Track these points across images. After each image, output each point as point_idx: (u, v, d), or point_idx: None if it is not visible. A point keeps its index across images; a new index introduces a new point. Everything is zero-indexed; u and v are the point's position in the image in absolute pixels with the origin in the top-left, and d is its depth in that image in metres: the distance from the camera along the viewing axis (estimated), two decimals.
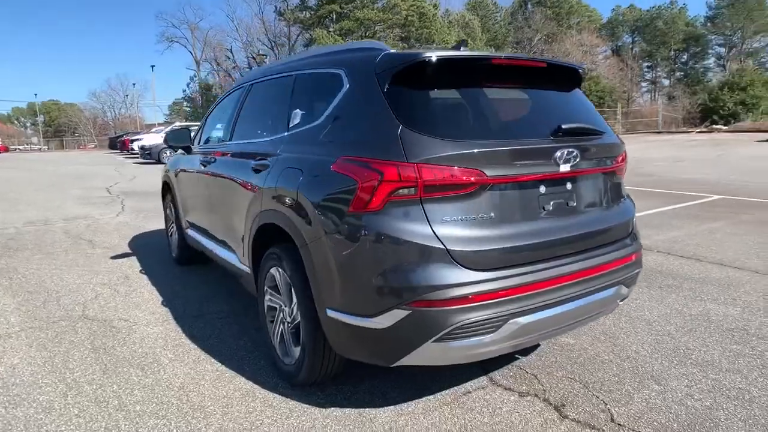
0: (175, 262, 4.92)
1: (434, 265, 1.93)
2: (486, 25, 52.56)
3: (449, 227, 1.97)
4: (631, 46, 55.63)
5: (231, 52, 59.19)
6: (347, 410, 2.39)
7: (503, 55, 2.26)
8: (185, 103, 67.82)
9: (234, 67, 61.32)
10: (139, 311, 3.70)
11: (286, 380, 2.61)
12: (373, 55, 2.26)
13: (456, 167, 1.96)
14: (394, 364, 2.11)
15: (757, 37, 45.66)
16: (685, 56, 53.53)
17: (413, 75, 2.11)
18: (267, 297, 2.76)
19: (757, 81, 28.36)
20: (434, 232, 1.94)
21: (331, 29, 47.77)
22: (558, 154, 2.16)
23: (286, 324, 2.60)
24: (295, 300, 2.43)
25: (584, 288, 2.25)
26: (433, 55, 2.08)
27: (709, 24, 48.73)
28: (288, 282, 2.49)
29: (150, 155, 20.71)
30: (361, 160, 2.03)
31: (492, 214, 2.05)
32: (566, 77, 2.56)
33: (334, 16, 48.47)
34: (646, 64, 55.97)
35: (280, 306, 2.65)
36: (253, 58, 59.19)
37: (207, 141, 4.14)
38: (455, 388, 2.57)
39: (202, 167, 3.71)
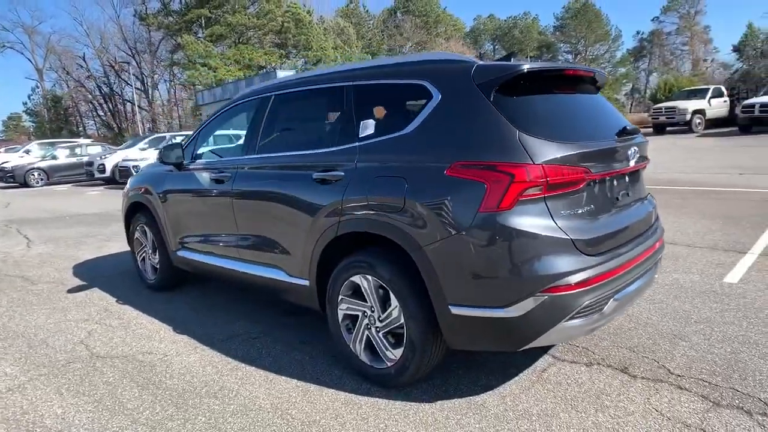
0: (153, 288, 4.57)
1: (563, 254, 2.18)
2: (360, 32, 53.89)
3: (566, 220, 2.24)
4: (493, 53, 60.66)
5: (84, 60, 53.59)
6: (455, 400, 2.54)
7: (571, 66, 2.58)
8: (27, 118, 59.91)
9: (88, 77, 55.66)
10: (157, 342, 3.44)
11: (379, 384, 2.67)
12: (466, 67, 2.44)
13: (570, 166, 2.23)
14: (522, 348, 2.32)
15: (597, 45, 52.68)
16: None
17: (514, 84, 2.34)
18: (344, 306, 2.79)
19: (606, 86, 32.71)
20: (558, 225, 2.19)
21: (200, 35, 45.61)
22: (629, 151, 2.53)
23: (374, 329, 2.66)
24: (395, 303, 2.51)
25: (645, 267, 2.65)
26: (528, 66, 2.33)
27: (557, 33, 54.99)
28: (382, 287, 2.56)
29: (13, 178, 18.11)
30: (484, 164, 2.20)
31: (591, 206, 2.36)
32: (596, 84, 2.96)
33: (203, 21, 46.31)
34: None
35: (365, 312, 2.70)
36: (111, 66, 54.29)
37: (203, 156, 3.95)
38: (529, 369, 2.83)
39: (216, 184, 3.55)
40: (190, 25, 46.30)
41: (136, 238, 4.69)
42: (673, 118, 20.38)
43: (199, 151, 3.98)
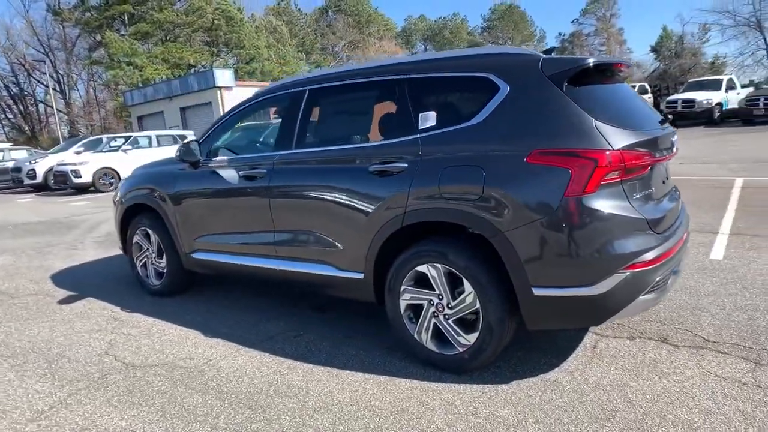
0: (157, 294, 4.34)
1: (639, 234, 2.35)
2: (293, 30, 53.16)
3: (639, 202, 2.41)
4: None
5: None
6: (529, 379, 2.65)
7: (620, 59, 2.76)
8: None
9: None
10: (192, 347, 3.30)
11: (451, 369, 2.73)
12: (533, 60, 2.55)
13: (640, 152, 2.40)
14: (601, 324, 2.47)
15: (523, 45, 55.16)
16: None
17: (582, 76, 2.47)
18: (407, 296, 2.82)
19: None
20: (633, 206, 2.36)
21: (123, 32, 43.10)
22: (672, 139, 2.75)
23: (442, 316, 2.72)
24: (470, 289, 2.58)
25: (686, 247, 2.89)
26: (593, 60, 2.48)
27: (485, 33, 57.04)
28: (451, 274, 2.62)
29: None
30: (567, 150, 2.32)
31: (653, 189, 2.55)
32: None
33: (126, 18, 43.80)
34: None
35: (431, 301, 2.75)
36: (21, 64, 50.00)
37: (220, 153, 3.82)
38: (580, 346, 3.00)
39: (247, 180, 3.45)
40: (112, 21, 43.62)
41: (136, 242, 4.43)
42: None
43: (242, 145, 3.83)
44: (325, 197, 3.07)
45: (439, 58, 2.95)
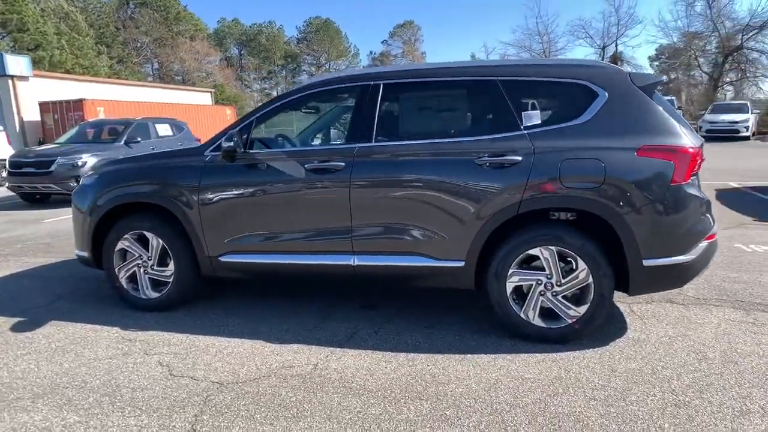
0: (151, 308, 3.73)
1: (709, 213, 3.03)
2: (89, 19, 46.55)
3: (700, 189, 3.09)
4: (240, 58, 59.99)
5: None
6: (616, 341, 3.12)
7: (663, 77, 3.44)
8: None
9: None
10: (277, 355, 3.02)
11: (559, 341, 3.06)
12: (623, 73, 3.08)
13: (701, 150, 3.08)
14: (685, 285, 3.08)
15: (340, 60, 57.46)
16: (284, 72, 61.58)
17: (656, 88, 3.08)
18: (514, 279, 3.07)
19: None
20: (702, 192, 3.03)
21: None
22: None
23: (550, 294, 3.05)
24: (583, 266, 2.96)
25: None
26: (665, 77, 3.11)
27: (302, 44, 57.76)
28: (564, 253, 2.98)
29: None
30: (668, 147, 2.88)
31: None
32: None
33: None
34: (253, 75, 61.38)
35: (539, 281, 3.06)
36: None
37: (257, 145, 3.53)
38: (626, 314, 3.59)
39: (317, 174, 3.28)
40: None
41: (119, 250, 3.73)
42: None
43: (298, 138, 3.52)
44: (425, 189, 3.14)
45: (538, 64, 3.29)
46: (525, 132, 3.05)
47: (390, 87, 3.34)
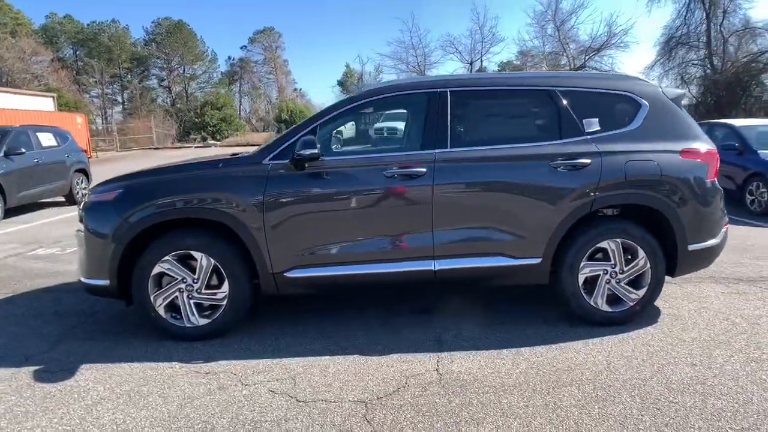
0: (198, 336, 3.33)
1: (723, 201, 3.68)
2: None
3: None
4: (75, 59, 53.28)
5: None
6: (661, 318, 3.63)
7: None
8: None
9: None
10: (406, 365, 2.94)
11: (620, 322, 3.44)
12: (656, 86, 3.59)
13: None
14: (711, 265, 3.67)
15: (196, 65, 54.02)
16: (129, 75, 56.06)
17: (681, 100, 3.66)
18: (586, 270, 3.40)
19: (228, 103, 34.77)
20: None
21: None
22: None
23: (614, 281, 3.44)
24: (642, 254, 3.40)
25: None
26: (685, 91, 3.72)
27: (150, 47, 53.16)
28: (626, 244, 3.39)
29: None
30: (699, 150, 3.44)
31: None
32: None
33: None
34: (93, 78, 54.90)
35: (605, 270, 3.42)
36: None
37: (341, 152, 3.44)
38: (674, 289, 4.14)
39: (398, 180, 3.27)
40: None
41: (156, 274, 3.27)
42: None
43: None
44: (505, 192, 3.32)
45: (589, 76, 3.67)
46: (589, 137, 3.40)
47: (459, 94, 3.45)
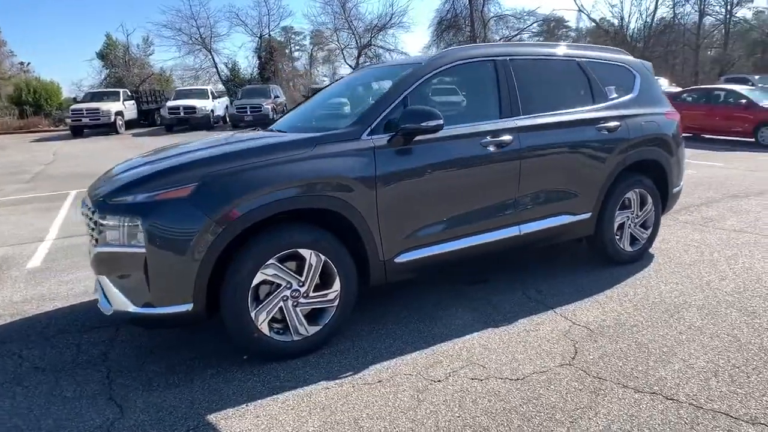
0: (303, 350, 2.84)
1: None
2: None
3: None
4: None
5: None
6: (657, 252, 4.45)
7: None
8: None
9: None
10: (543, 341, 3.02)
11: (637, 259, 4.14)
12: (639, 60, 4.27)
13: None
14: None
15: None
16: None
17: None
18: (619, 219, 3.96)
19: None
20: None
21: None
22: None
23: (633, 224, 4.09)
24: (650, 202, 4.11)
25: None
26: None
27: None
28: (643, 194, 4.06)
29: None
30: (674, 111, 4.27)
31: None
32: None
33: None
34: None
35: (629, 216, 4.05)
36: None
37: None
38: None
39: (489, 149, 3.26)
40: None
41: (260, 283, 2.66)
42: (98, 119, 20.60)
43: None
44: (570, 155, 3.62)
45: (596, 49, 4.14)
46: (611, 103, 3.90)
47: (512, 63, 3.54)
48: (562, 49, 3.97)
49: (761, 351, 2.68)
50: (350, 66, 32.59)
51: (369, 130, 2.97)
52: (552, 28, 34.79)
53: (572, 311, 3.26)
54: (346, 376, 2.61)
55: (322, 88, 4.64)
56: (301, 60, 40.33)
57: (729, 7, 31.05)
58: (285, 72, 33.83)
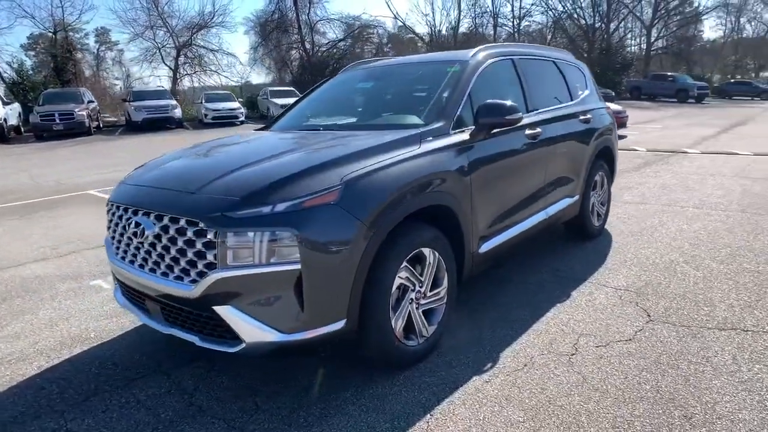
0: (433, 346, 2.79)
1: None
2: None
3: None
4: None
5: None
6: (618, 216, 5.25)
7: None
8: None
9: None
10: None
11: (602, 232, 4.89)
12: (581, 62, 4.99)
13: None
14: None
15: None
16: None
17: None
18: (592, 199, 4.62)
19: None
20: None
21: None
22: None
23: (598, 202, 4.81)
24: (605, 179, 4.87)
25: None
26: None
27: None
28: (603, 175, 4.79)
29: None
30: (607, 107, 5.11)
31: None
32: None
33: None
34: None
35: (596, 196, 4.74)
36: None
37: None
38: None
39: (532, 140, 3.55)
40: None
41: (397, 287, 2.53)
42: None
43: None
44: (569, 144, 4.11)
45: (557, 50, 4.68)
46: (580, 99, 4.52)
47: (519, 62, 3.85)
48: (544, 50, 4.45)
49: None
50: (168, 66, 29.90)
51: (452, 125, 3.00)
52: (358, 33, 36.21)
53: (604, 281, 3.73)
54: (488, 369, 2.63)
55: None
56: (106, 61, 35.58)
57: (516, 21, 36.98)
58: (86, 75, 29.50)
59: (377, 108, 3.60)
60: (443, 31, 36.57)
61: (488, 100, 3.11)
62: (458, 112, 3.06)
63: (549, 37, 38.86)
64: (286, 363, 2.75)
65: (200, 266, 2.21)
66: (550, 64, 4.38)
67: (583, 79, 4.80)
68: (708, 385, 2.39)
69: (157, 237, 2.34)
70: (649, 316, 3.13)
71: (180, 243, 2.26)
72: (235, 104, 22.14)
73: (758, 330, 2.89)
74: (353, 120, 3.55)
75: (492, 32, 36.36)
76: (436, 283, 2.81)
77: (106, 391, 2.60)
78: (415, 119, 3.12)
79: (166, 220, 2.32)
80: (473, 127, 3.05)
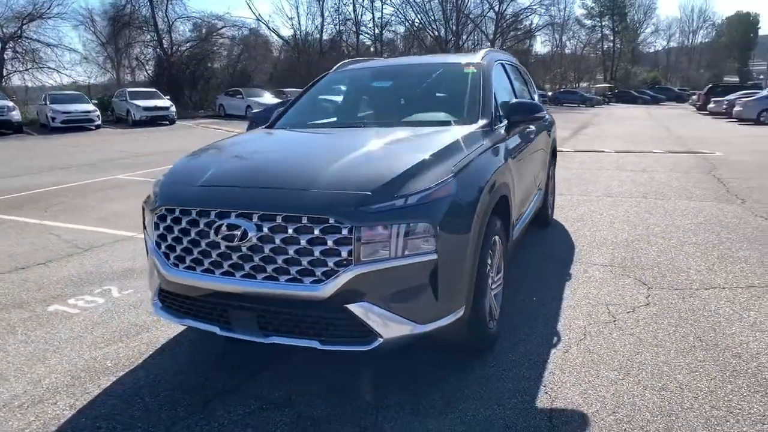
0: (491, 341, 2.98)
1: None
2: None
3: None
4: None
5: None
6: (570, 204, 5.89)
7: None
8: None
9: None
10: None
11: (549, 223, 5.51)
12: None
13: None
14: None
15: None
16: None
17: None
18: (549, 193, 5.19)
19: None
20: None
21: None
22: None
23: (550, 195, 5.41)
24: (553, 173, 5.49)
25: None
26: None
27: None
28: (552, 169, 5.40)
29: None
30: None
31: None
32: None
33: None
34: None
35: (550, 188, 5.33)
36: None
37: None
38: None
39: (529, 134, 3.91)
40: None
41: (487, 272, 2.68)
42: None
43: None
44: (542, 139, 4.59)
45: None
46: (537, 97, 5.05)
47: (505, 67, 4.22)
48: (511, 56, 4.87)
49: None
50: None
51: (493, 122, 3.21)
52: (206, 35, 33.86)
53: (587, 260, 4.24)
54: (558, 343, 2.89)
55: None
56: None
57: (378, 29, 38.42)
58: None
59: (410, 106, 3.62)
60: (308, 37, 36.49)
61: (519, 100, 3.40)
62: (493, 111, 3.28)
63: (401, 46, 41.11)
64: (363, 360, 2.71)
65: (330, 264, 2.12)
66: (516, 68, 4.81)
67: (530, 84, 5.36)
68: (731, 331, 2.94)
69: (264, 239, 2.17)
70: (646, 285, 3.67)
71: (303, 242, 2.13)
72: (90, 106, 19.76)
73: (732, 286, 3.59)
74: (393, 117, 3.54)
75: (355, 40, 37.36)
76: (497, 269, 3.00)
77: (184, 418, 2.32)
78: (460, 116, 3.25)
79: (279, 220, 2.16)
80: (506, 122, 3.30)
